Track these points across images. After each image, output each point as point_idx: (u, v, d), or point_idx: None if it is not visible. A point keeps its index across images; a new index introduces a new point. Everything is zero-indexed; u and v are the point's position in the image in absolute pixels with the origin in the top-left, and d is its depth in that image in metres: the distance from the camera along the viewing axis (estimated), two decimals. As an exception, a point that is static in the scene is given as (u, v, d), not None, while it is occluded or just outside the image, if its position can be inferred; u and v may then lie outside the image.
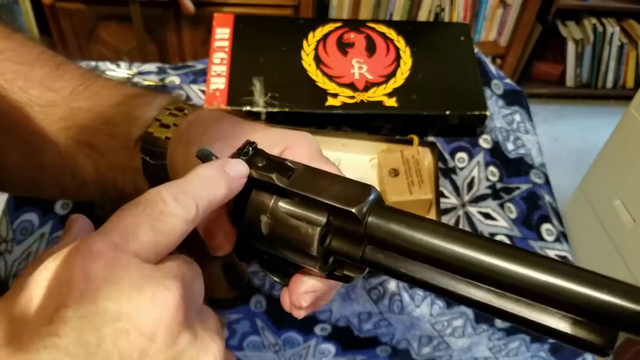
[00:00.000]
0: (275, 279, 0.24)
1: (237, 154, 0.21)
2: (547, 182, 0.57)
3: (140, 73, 0.61)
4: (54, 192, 0.34)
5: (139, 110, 0.28)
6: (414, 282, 0.18)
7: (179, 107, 0.28)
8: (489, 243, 0.16)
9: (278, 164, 0.21)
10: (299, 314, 0.23)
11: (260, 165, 0.21)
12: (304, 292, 0.22)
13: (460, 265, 0.16)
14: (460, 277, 0.17)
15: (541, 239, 0.52)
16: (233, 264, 0.26)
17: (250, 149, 0.22)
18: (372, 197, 0.19)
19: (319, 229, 0.20)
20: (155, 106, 0.28)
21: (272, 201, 0.21)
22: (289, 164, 0.21)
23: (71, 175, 0.29)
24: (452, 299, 0.17)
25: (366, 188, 0.20)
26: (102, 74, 0.31)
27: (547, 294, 0.15)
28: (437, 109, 0.56)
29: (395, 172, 0.50)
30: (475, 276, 0.16)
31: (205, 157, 0.21)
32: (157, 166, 0.27)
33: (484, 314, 0.17)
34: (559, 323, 0.15)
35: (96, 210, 0.48)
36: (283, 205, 0.21)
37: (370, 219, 0.19)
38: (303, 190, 0.20)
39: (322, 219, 0.20)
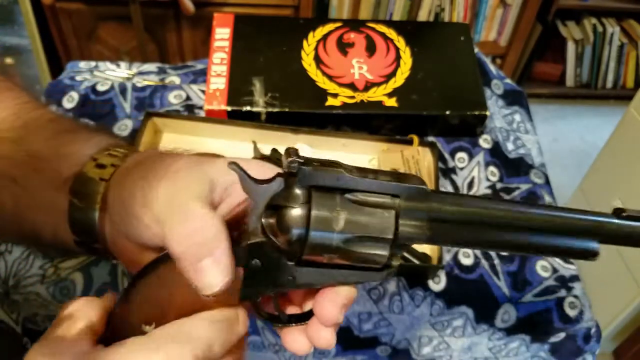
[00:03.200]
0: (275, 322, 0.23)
1: (288, 166, 0.20)
2: (547, 182, 0.57)
3: (140, 73, 0.61)
4: None
5: (72, 147, 0.26)
6: (470, 244, 0.23)
7: (119, 147, 0.25)
8: (507, 202, 0.23)
9: (328, 162, 0.21)
10: (330, 342, 0.22)
11: (316, 164, 0.21)
12: (342, 304, 0.21)
13: (502, 220, 0.22)
14: (501, 229, 0.22)
15: (541, 239, 0.52)
16: None
17: (296, 157, 0.20)
18: (418, 179, 0.22)
19: (394, 210, 0.21)
20: (92, 144, 0.25)
21: (339, 197, 0.21)
22: (330, 160, 0.21)
23: None
24: (499, 246, 0.23)
25: (405, 175, 0.22)
26: (46, 107, 0.29)
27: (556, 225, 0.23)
28: (437, 109, 0.56)
29: (395, 172, 0.50)
30: (508, 226, 0.22)
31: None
32: (84, 211, 0.24)
33: (520, 252, 0.22)
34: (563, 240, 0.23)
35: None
36: (352, 197, 0.21)
37: (435, 195, 0.21)
38: (368, 178, 0.21)
39: (394, 201, 0.21)
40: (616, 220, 0.23)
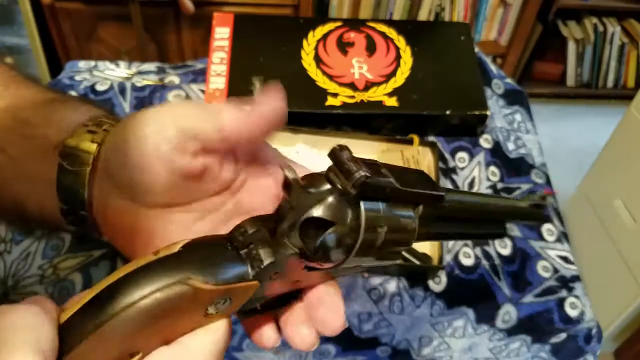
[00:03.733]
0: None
1: (350, 173, 0.18)
2: (548, 182, 0.57)
3: (140, 72, 0.61)
4: None
5: (62, 114, 0.25)
6: (463, 237, 0.27)
7: (108, 117, 0.25)
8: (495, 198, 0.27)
9: (368, 165, 0.19)
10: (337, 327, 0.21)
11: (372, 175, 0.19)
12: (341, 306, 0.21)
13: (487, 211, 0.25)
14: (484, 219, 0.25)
15: (542, 239, 0.52)
16: None
17: (362, 171, 0.18)
18: (432, 180, 0.22)
19: (417, 219, 0.21)
20: (82, 112, 0.25)
21: (382, 209, 0.19)
22: (370, 161, 0.20)
23: None
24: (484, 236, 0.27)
25: (422, 173, 0.22)
26: (33, 80, 0.28)
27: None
28: (437, 108, 0.56)
29: (395, 172, 0.49)
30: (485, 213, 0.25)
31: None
32: (73, 175, 0.23)
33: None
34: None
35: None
36: (392, 209, 0.20)
37: (448, 197, 0.22)
38: (407, 187, 0.20)
39: (415, 211, 0.21)
40: (523, 204, 0.27)
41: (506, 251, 0.50)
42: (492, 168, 0.56)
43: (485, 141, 0.58)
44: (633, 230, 0.94)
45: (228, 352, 0.49)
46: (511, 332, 0.47)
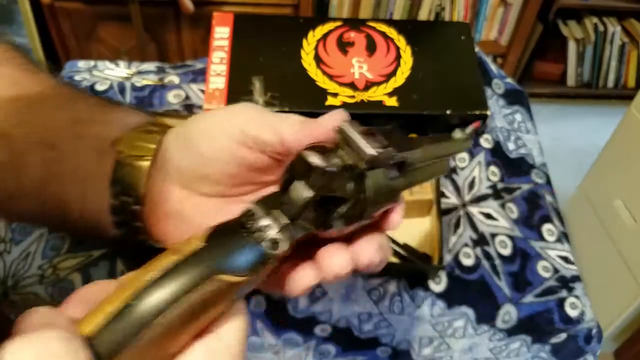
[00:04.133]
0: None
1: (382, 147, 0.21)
2: (548, 182, 0.57)
3: (140, 72, 0.61)
4: None
5: (117, 114, 0.25)
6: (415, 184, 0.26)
7: (163, 123, 0.25)
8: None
9: (369, 136, 0.22)
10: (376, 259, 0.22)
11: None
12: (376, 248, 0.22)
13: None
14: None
15: (542, 239, 0.52)
16: None
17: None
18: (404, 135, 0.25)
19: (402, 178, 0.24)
20: (133, 116, 0.25)
21: (381, 175, 0.22)
22: (367, 129, 0.22)
23: (15, 181, 0.24)
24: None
25: (396, 128, 0.25)
26: (79, 88, 0.29)
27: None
28: (437, 108, 0.56)
29: (395, 172, 0.49)
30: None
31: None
32: (131, 169, 0.23)
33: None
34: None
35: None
36: (388, 173, 0.22)
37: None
38: (399, 151, 0.23)
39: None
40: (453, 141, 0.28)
41: (506, 251, 0.50)
42: (492, 168, 0.56)
43: (485, 141, 0.58)
44: (633, 230, 0.94)
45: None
46: (511, 332, 0.47)
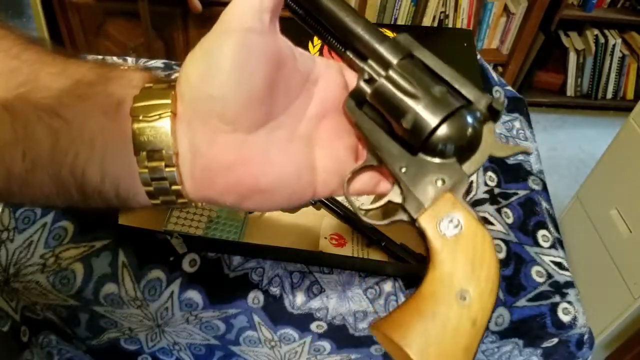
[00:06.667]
0: None
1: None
2: (545, 188, 0.58)
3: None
4: None
5: (120, 72, 0.23)
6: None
7: (169, 78, 0.24)
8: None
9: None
10: None
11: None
12: None
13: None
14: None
15: (537, 244, 0.52)
16: None
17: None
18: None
19: None
20: (141, 70, 0.24)
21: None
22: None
23: (21, 156, 0.22)
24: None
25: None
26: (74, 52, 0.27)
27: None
28: (438, 113, 0.57)
29: (395, 174, 0.50)
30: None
31: None
32: (151, 128, 0.21)
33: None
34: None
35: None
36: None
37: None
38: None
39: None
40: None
41: (501, 255, 0.51)
42: (490, 173, 0.57)
43: (484, 147, 0.59)
44: (628, 240, 0.94)
45: (224, 346, 0.49)
46: (504, 335, 0.48)
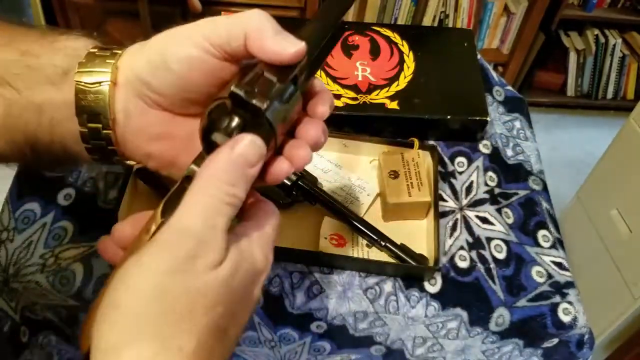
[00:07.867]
0: None
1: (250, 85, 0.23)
2: (545, 189, 0.58)
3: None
4: None
5: (64, 42, 0.25)
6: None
7: (115, 46, 0.26)
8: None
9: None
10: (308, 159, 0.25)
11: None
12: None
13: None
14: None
15: (537, 244, 0.52)
16: None
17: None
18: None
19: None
20: (85, 40, 0.26)
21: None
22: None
23: None
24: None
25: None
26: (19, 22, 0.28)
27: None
28: (438, 113, 0.57)
29: (395, 174, 0.50)
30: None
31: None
32: (93, 96, 0.24)
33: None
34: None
35: (99, 202, 0.48)
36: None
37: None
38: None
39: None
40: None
41: (501, 255, 0.51)
42: (490, 173, 0.57)
43: (484, 147, 0.59)
44: (628, 240, 0.94)
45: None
46: (504, 335, 0.48)
